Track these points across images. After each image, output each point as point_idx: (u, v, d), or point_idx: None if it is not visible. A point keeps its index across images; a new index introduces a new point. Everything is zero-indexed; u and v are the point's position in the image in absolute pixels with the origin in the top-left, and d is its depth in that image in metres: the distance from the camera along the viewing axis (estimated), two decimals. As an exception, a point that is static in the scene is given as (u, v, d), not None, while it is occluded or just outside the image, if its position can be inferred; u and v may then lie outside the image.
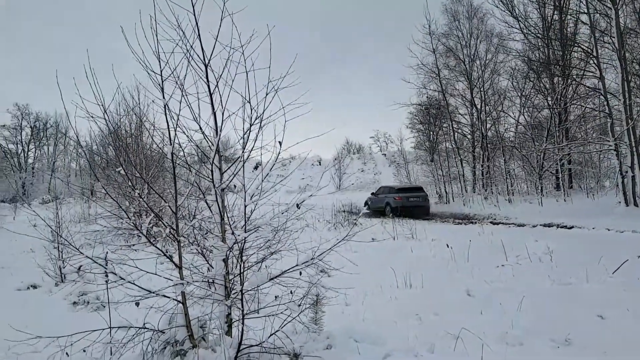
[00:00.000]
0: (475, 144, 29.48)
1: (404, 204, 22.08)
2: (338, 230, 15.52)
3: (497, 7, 25.50)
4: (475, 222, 18.18)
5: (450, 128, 30.17)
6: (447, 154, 31.13)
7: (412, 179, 31.59)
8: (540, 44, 24.66)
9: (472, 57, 29.06)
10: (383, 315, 5.82)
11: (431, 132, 36.11)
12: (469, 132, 30.67)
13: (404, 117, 64.95)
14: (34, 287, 8.93)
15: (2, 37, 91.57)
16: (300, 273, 4.38)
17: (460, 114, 31.33)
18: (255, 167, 4.60)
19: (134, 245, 5.38)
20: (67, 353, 4.31)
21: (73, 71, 4.29)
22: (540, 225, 15.43)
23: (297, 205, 4.10)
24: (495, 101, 28.09)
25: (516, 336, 4.82)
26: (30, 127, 65.01)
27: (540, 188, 22.66)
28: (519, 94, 26.11)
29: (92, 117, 3.92)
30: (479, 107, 28.55)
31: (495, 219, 19.11)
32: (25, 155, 65.02)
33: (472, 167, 29.83)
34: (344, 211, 18.07)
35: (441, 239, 12.00)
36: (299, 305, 4.21)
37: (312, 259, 4.22)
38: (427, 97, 32.37)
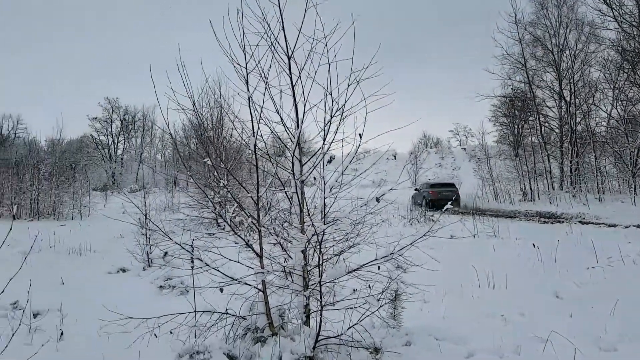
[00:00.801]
0: (564, 138, 27.76)
1: (436, 197, 24.73)
2: (414, 225, 15.25)
3: (590, -7, 23.77)
4: (563, 221, 17.15)
5: (537, 121, 28.66)
6: (532, 148, 29.52)
7: (495, 174, 30.33)
8: (635, 33, 22.69)
9: (561, 46, 27.38)
10: (464, 314, 5.63)
11: (516, 126, 34.53)
12: (556, 126, 28.95)
13: (487, 110, 62.51)
14: (123, 270, 9.51)
15: (92, 32, 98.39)
16: (379, 267, 4.33)
17: (547, 106, 29.64)
18: (329, 161, 4.60)
19: (217, 233, 5.57)
20: (155, 334, 4.56)
21: (158, 65, 4.48)
22: (634, 226, 14.28)
23: (377, 199, 4.05)
24: (586, 93, 26.25)
25: (610, 341, 4.49)
26: (120, 119, 69.56)
27: (633, 187, 20.96)
28: (612, 86, 24.20)
29: (182, 108, 4.09)
30: (568, 99, 26.87)
31: (584, 219, 17.93)
32: (115, 146, 69.70)
33: (559, 163, 28.11)
34: (420, 206, 17.74)
35: (526, 238, 11.43)
36: (378, 300, 4.17)
37: (391, 253, 4.15)
38: (512, 88, 30.98)
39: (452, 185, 28.74)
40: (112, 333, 5.10)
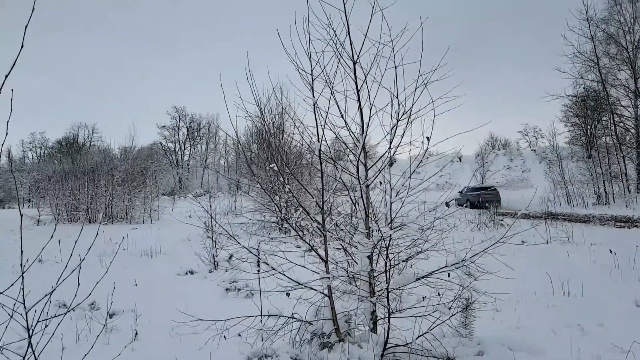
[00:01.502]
0: (641, 138, 26.03)
1: (478, 200, 26.26)
2: (482, 231, 14.78)
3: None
4: (641, 226, 16.05)
5: (611, 121, 27.00)
6: (607, 150, 27.83)
7: (567, 177, 28.91)
8: None
9: (636, 43, 25.70)
10: (539, 323, 5.37)
11: (588, 126, 32.73)
12: (632, 125, 27.15)
13: (557, 110, 59.64)
14: (191, 272, 9.79)
15: (161, 45, 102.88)
16: (449, 275, 4.21)
17: (622, 106, 27.85)
18: (390, 165, 4.54)
19: (281, 237, 5.63)
20: (224, 336, 4.65)
21: (224, 74, 4.59)
22: None
23: (447, 203, 3.94)
24: (665, 91, 24.50)
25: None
26: (187, 127, 72.49)
27: None
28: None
29: (250, 115, 4.18)
30: (644, 98, 25.17)
31: (665, 223, 16.68)
32: (182, 152, 72.66)
33: (636, 164, 26.35)
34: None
35: (602, 244, 10.79)
36: (449, 309, 4.05)
37: (462, 260, 4.02)
38: (584, 87, 29.41)
39: (493, 187, 31.63)
40: (184, 334, 5.28)
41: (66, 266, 2.34)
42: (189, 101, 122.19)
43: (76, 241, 2.39)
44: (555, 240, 12.01)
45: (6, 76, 1.95)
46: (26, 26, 1.99)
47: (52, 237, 2.42)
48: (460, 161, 64.81)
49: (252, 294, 7.52)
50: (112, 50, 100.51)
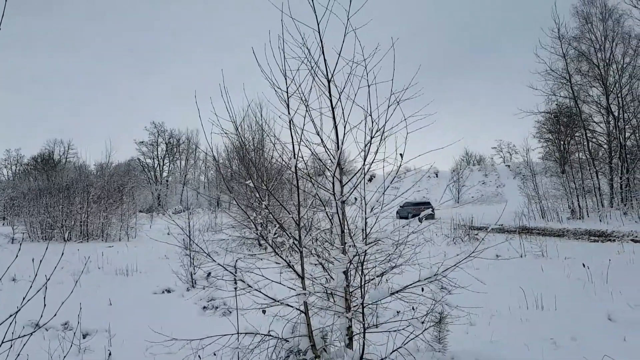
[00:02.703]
0: (613, 154, 26.70)
1: (417, 213, 28.67)
2: (458, 245, 14.95)
3: (637, 7, 23.04)
4: (614, 240, 16.41)
5: (584, 137, 27.71)
6: (580, 165, 28.54)
7: (541, 192, 29.44)
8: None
9: (607, 61, 26.53)
10: (513, 337, 5.44)
11: (561, 142, 33.56)
12: (604, 141, 27.90)
13: (531, 126, 60.93)
14: (168, 291, 9.68)
15: (141, 60, 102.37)
16: (422, 289, 4.26)
17: (594, 122, 28.64)
18: (369, 180, 4.61)
19: (258, 254, 5.62)
20: (199, 356, 4.61)
21: (201, 91, 4.62)
22: (693, 244, 13.52)
23: (419, 218, 3.99)
24: (635, 107, 25.27)
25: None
26: (165, 143, 71.86)
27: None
28: (663, 100, 23.23)
29: (225, 132, 4.20)
30: (616, 114, 25.91)
31: (636, 237, 17.10)
32: (161, 169, 71.86)
33: (608, 179, 27.00)
34: (464, 225, 17.33)
35: (575, 258, 11.03)
36: (422, 323, 4.09)
37: (435, 274, 4.08)
38: (556, 104, 30.18)
39: (429, 203, 34.48)
40: (158, 354, 5.20)
41: (32, 286, 2.32)
42: (168, 117, 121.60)
43: (41, 260, 2.38)
44: (529, 254, 12.22)
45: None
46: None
47: (16, 256, 2.40)
48: (437, 176, 65.59)
49: (230, 312, 7.47)
50: (89, 66, 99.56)
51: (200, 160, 73.20)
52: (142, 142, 70.91)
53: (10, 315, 2.20)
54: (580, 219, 26.60)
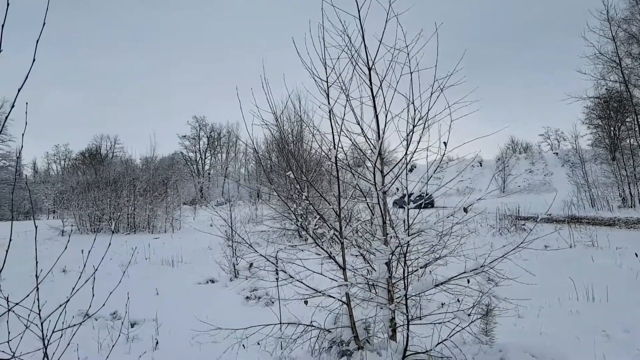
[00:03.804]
0: (667, 140, 25.41)
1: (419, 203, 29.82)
2: (504, 236, 14.56)
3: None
4: (670, 230, 15.63)
5: (635, 123, 26.43)
6: (631, 151, 27.21)
7: (590, 180, 28.29)
8: None
9: (660, 43, 25.17)
10: (563, 330, 5.25)
11: (612, 128, 32.13)
12: (658, 126, 26.56)
13: (579, 112, 58.69)
14: (212, 281, 9.84)
15: (182, 54, 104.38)
16: (469, 281, 4.15)
17: (646, 106, 27.30)
18: (410, 170, 4.52)
19: (299, 245, 5.63)
20: (243, 345, 4.66)
21: (242, 84, 4.63)
22: None
23: (465, 209, 3.88)
24: (691, 91, 23.91)
25: None
26: (207, 136, 73.24)
27: None
28: None
29: (266, 124, 4.20)
30: (670, 98, 24.61)
31: (694, 226, 16.23)
32: (203, 162, 73.35)
33: (663, 166, 25.73)
34: (510, 216, 16.83)
35: (628, 247, 10.54)
36: (469, 315, 3.98)
37: (482, 266, 3.96)
38: (606, 89, 28.87)
39: (430, 195, 35.03)
40: (203, 343, 5.31)
41: (80, 277, 2.38)
42: (209, 111, 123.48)
43: (89, 252, 2.43)
44: (579, 244, 11.76)
45: (19, 90, 2.00)
46: (37, 40, 2.04)
47: (65, 247, 2.46)
48: (481, 165, 63.96)
49: (272, 302, 7.53)
50: (132, 62, 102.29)
51: (240, 153, 74.31)
52: (185, 136, 72.60)
53: (60, 305, 2.27)
54: (632, 207, 25.45)
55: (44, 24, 2.03)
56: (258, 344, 4.78)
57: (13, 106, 2.02)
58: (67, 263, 10.14)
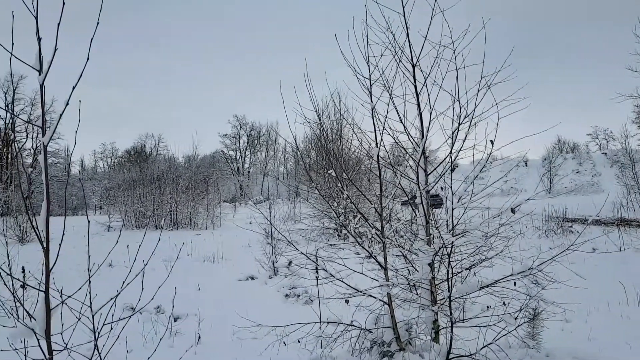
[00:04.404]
0: None
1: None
2: (550, 238, 14.11)
3: None
4: None
5: (691, 121, 25.16)
6: (686, 152, 25.97)
7: (640, 180, 27.08)
8: None
9: None
10: (612, 335, 5.03)
11: (665, 127, 30.69)
12: None
13: (630, 111, 56.24)
14: (252, 278, 9.94)
15: (223, 54, 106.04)
16: (515, 283, 4.03)
17: (703, 104, 25.91)
18: (452, 170, 4.41)
19: (339, 244, 5.62)
20: (284, 342, 4.68)
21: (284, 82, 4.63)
22: None
23: (512, 209, 3.76)
24: None
25: None
26: (247, 135, 74.30)
27: None
28: None
29: (308, 122, 4.20)
30: None
31: None
32: (243, 160, 74.44)
33: None
34: (557, 217, 16.28)
35: (683, 251, 10.03)
36: (516, 319, 3.86)
37: (529, 268, 3.83)
38: (659, 86, 27.59)
39: (437, 196, 34.55)
40: (244, 339, 5.36)
41: (131, 271, 2.43)
42: (249, 109, 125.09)
43: (139, 246, 2.49)
44: (629, 248, 11.25)
45: (73, 87, 2.05)
46: (91, 39, 2.08)
47: (117, 242, 2.52)
48: (526, 165, 62.12)
49: (311, 301, 7.54)
50: (174, 62, 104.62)
51: (279, 152, 75.00)
52: (226, 134, 73.85)
53: (111, 299, 2.32)
54: (687, 210, 24.23)
55: (98, 23, 2.08)
56: (298, 341, 4.78)
57: (67, 104, 2.07)
58: (112, 257, 10.46)
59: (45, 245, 2.04)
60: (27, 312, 2.12)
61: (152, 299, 2.88)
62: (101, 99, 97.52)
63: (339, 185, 5.13)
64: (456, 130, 4.07)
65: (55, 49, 2.02)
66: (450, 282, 4.04)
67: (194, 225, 24.56)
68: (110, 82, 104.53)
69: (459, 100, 3.95)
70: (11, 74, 2.21)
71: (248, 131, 74.62)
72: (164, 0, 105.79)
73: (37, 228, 2.08)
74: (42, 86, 2.06)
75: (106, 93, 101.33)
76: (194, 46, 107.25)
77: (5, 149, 49.82)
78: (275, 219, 13.13)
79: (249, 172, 74.06)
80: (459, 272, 4.30)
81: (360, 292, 4.42)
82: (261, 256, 10.51)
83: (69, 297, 2.21)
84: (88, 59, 2.09)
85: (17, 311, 6.52)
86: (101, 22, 2.11)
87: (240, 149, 74.69)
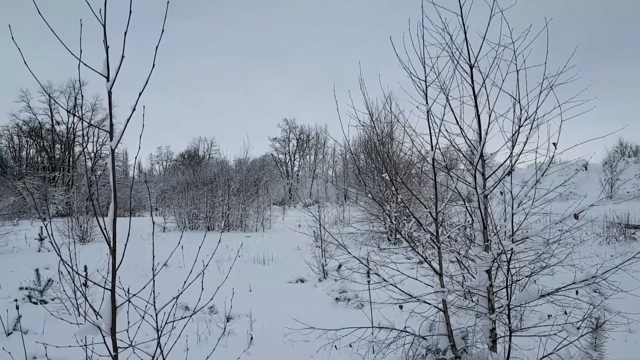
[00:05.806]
0: None
1: None
2: (612, 245, 13.45)
3: None
4: None
5: None
6: None
7: None
8: None
9: None
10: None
11: None
12: None
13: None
14: (302, 281, 10.01)
15: (273, 57, 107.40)
16: (577, 292, 3.85)
17: None
18: (508, 174, 4.28)
19: (393, 248, 5.55)
20: (335, 346, 4.66)
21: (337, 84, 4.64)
22: None
23: (575, 215, 3.60)
24: None
25: None
26: (296, 138, 75.00)
27: None
28: None
29: (363, 125, 4.19)
30: None
31: None
32: (292, 163, 75.17)
33: None
34: (619, 224, 15.48)
35: None
36: (578, 329, 3.69)
37: (593, 277, 3.65)
38: None
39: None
40: (296, 341, 5.39)
41: (191, 271, 2.50)
42: (298, 113, 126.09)
43: (200, 247, 2.55)
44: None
45: (140, 93, 2.12)
46: (157, 47, 2.15)
47: (178, 243, 2.59)
48: (586, 169, 59.25)
49: (362, 305, 7.50)
50: (225, 66, 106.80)
51: (328, 155, 75.19)
52: (275, 138, 74.76)
53: (174, 298, 2.39)
54: None
55: (163, 30, 2.15)
56: (350, 346, 4.76)
57: (134, 109, 2.15)
58: (167, 257, 10.78)
59: (112, 246, 2.12)
60: (94, 310, 2.21)
61: (211, 298, 2.95)
62: (156, 103, 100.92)
63: (393, 188, 5.08)
64: (516, 133, 3.94)
65: (122, 57, 2.10)
66: (509, 290, 3.91)
67: (244, 227, 25.01)
68: (164, 87, 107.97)
69: (519, 102, 3.82)
70: (79, 81, 2.30)
71: (297, 134, 75.29)
72: (215, 6, 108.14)
73: (105, 229, 2.16)
74: (109, 92, 2.15)
75: (161, 98, 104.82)
76: (245, 49, 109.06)
77: (67, 153, 52.46)
78: (324, 222, 13.13)
79: (297, 175, 74.65)
80: (518, 280, 4.15)
81: (414, 297, 4.35)
82: (310, 259, 10.56)
83: (134, 295, 2.29)
84: (154, 65, 2.15)
85: (77, 308, 6.81)
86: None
87: (289, 152, 75.47)
